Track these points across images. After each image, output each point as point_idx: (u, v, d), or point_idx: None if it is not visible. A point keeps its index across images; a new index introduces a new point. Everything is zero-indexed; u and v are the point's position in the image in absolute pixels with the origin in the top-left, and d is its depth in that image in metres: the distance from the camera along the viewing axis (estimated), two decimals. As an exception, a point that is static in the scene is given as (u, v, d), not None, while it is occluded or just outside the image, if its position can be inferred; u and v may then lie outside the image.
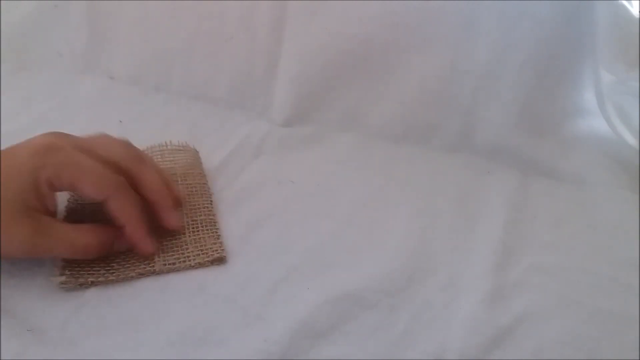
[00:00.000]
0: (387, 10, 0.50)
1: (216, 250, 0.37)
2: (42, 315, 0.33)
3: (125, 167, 0.36)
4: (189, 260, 0.37)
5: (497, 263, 0.38)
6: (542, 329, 0.34)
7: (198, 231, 0.39)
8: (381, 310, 0.35)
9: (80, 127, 0.51)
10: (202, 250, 0.38)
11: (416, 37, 0.50)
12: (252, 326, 0.33)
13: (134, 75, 0.58)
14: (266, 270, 0.37)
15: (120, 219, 0.35)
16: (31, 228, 0.32)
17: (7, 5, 0.59)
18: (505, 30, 0.48)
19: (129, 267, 0.36)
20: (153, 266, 0.36)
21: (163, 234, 0.38)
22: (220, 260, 0.37)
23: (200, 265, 0.37)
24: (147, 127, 0.51)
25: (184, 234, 0.39)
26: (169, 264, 0.36)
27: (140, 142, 0.45)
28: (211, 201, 0.42)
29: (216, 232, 0.39)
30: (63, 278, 0.34)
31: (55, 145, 0.34)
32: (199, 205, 0.41)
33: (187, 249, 0.38)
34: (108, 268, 0.36)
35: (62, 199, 0.40)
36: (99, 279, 0.35)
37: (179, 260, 0.37)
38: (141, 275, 0.36)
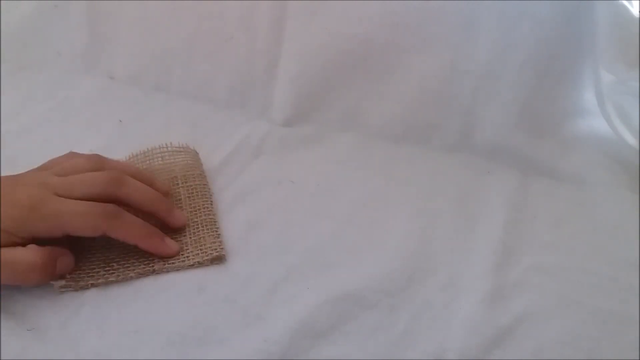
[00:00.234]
0: (387, 10, 0.50)
1: (215, 249, 0.37)
2: (42, 315, 0.33)
3: (110, 195, 0.35)
4: (189, 260, 0.37)
5: (497, 263, 0.38)
6: (542, 329, 0.34)
7: (198, 231, 0.39)
8: (381, 310, 0.35)
9: (80, 127, 0.51)
10: (201, 249, 0.38)
11: (416, 37, 0.50)
12: (252, 326, 0.33)
13: (134, 75, 0.58)
14: (266, 270, 0.37)
15: (128, 242, 0.35)
16: None
17: (7, 5, 0.59)
18: (505, 30, 0.48)
19: (128, 267, 0.36)
20: (152, 266, 0.36)
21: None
22: (219, 259, 0.37)
23: (200, 264, 0.37)
24: (147, 127, 0.51)
25: (184, 234, 0.39)
26: (169, 264, 0.36)
27: (140, 142, 0.45)
28: (211, 202, 0.42)
29: (216, 232, 0.39)
30: (63, 282, 0.34)
31: (37, 202, 0.33)
32: (199, 206, 0.41)
33: (187, 249, 0.38)
34: (108, 269, 0.36)
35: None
36: (99, 281, 0.35)
37: (179, 259, 0.37)
38: (141, 275, 0.36)
